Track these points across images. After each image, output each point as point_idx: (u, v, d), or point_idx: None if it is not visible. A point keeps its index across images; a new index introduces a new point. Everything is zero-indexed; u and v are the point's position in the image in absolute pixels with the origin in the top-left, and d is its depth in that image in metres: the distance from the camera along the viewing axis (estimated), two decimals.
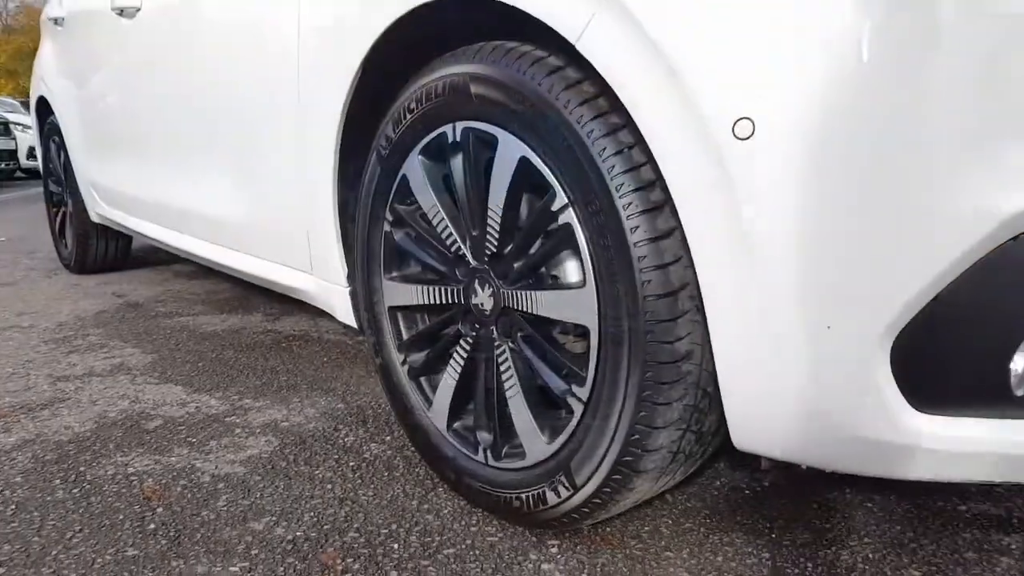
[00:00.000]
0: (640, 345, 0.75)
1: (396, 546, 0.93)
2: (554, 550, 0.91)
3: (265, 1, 1.22)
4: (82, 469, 1.18)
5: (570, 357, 0.86)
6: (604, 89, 0.74)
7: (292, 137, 1.20)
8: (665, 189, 0.70)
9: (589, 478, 0.83)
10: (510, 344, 0.93)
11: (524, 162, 0.84)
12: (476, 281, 0.95)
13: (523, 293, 0.88)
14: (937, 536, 0.94)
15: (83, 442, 1.28)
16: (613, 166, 0.74)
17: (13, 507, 1.06)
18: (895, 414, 0.64)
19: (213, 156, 1.54)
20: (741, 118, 0.62)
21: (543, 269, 0.88)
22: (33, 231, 4.34)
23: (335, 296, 1.26)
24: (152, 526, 0.99)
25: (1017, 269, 0.61)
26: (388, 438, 1.26)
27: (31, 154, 10.50)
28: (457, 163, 0.94)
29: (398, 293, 1.08)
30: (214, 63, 1.44)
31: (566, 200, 0.80)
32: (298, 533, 0.96)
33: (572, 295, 0.82)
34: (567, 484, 0.85)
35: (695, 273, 0.70)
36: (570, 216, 0.80)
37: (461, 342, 1.00)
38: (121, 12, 1.84)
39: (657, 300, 0.73)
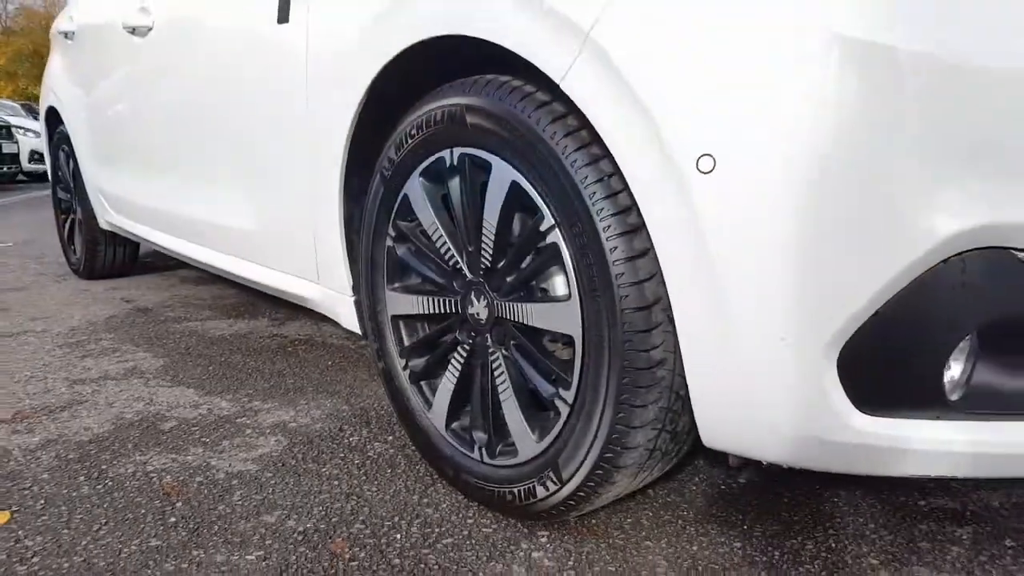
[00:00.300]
0: (619, 353, 0.83)
1: (399, 536, 1.01)
2: (543, 540, 1.00)
3: (275, 31, 1.30)
4: (104, 467, 1.26)
5: (557, 363, 0.94)
6: (586, 123, 0.82)
7: (300, 156, 1.28)
8: (640, 214, 0.79)
9: (574, 473, 0.91)
10: (503, 351, 1.01)
11: (515, 186, 0.92)
12: (472, 293, 1.04)
13: (515, 305, 0.97)
14: (896, 528, 1.02)
15: (103, 442, 1.36)
16: (594, 192, 0.82)
17: (42, 502, 1.14)
18: (842, 416, 0.72)
19: (223, 170, 1.62)
20: (704, 154, 0.70)
21: (533, 283, 0.96)
22: (39, 235, 4.42)
23: (340, 305, 1.34)
24: (173, 519, 1.08)
25: (947, 288, 0.69)
26: (390, 438, 1.35)
27: (32, 157, 10.59)
28: (455, 185, 1.02)
29: (400, 303, 1.16)
30: (225, 84, 1.52)
31: (553, 222, 0.88)
32: (308, 525, 1.05)
33: (559, 307, 0.90)
34: (555, 479, 0.93)
35: (666, 289, 0.78)
36: (556, 236, 0.88)
37: (458, 349, 1.08)
38: (133, 31, 1.93)
39: (634, 313, 0.81)
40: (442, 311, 1.09)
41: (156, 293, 2.66)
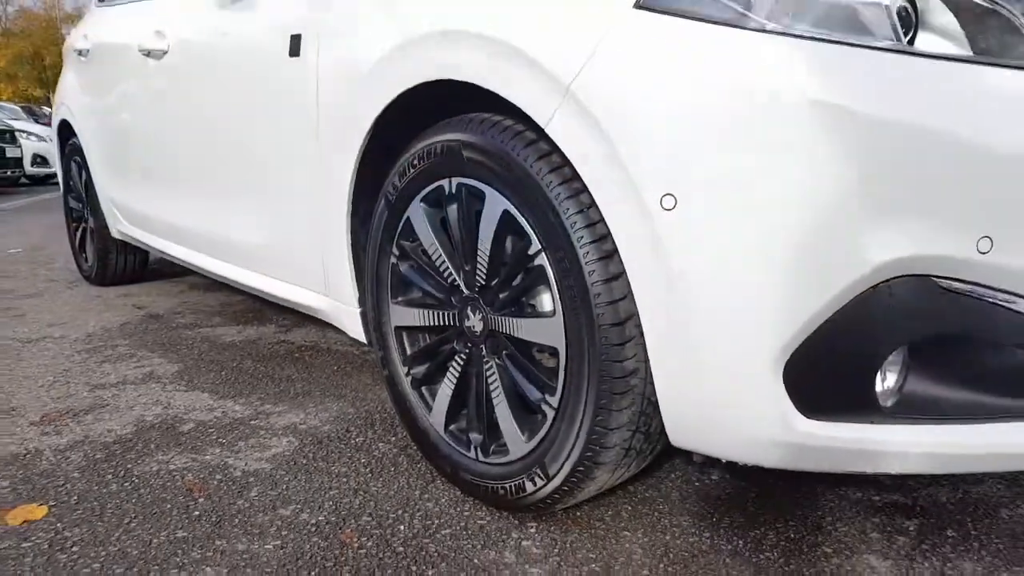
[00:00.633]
0: (597, 363, 0.94)
1: (402, 528, 1.12)
2: (532, 530, 1.11)
3: (287, 63, 1.41)
4: (129, 466, 1.36)
5: (544, 372, 1.06)
6: (568, 160, 0.93)
7: (310, 180, 1.39)
8: (614, 242, 0.89)
9: (559, 470, 1.02)
10: (496, 360, 1.12)
11: (506, 214, 1.03)
12: (468, 307, 1.15)
13: (507, 319, 1.08)
14: (850, 520, 1.13)
15: (126, 443, 1.47)
16: (575, 222, 0.93)
17: (76, 497, 1.25)
18: (788, 420, 0.83)
19: (236, 188, 1.72)
20: (667, 194, 0.81)
21: (522, 300, 1.07)
22: (46, 241, 4.52)
23: (347, 316, 1.44)
24: (196, 513, 1.18)
25: (877, 310, 0.80)
26: (393, 438, 1.45)
27: (35, 161, 10.68)
28: (452, 210, 1.13)
29: (403, 315, 1.27)
30: (239, 109, 1.63)
31: (539, 247, 0.99)
32: (320, 517, 1.15)
33: (545, 322, 1.01)
34: (542, 475, 1.04)
35: (637, 308, 0.89)
36: (543, 259, 0.99)
37: (456, 358, 1.19)
38: (148, 53, 2.03)
39: (610, 328, 0.92)
40: (441, 323, 1.20)
41: (166, 299, 2.77)
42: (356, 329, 1.44)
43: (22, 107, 18.98)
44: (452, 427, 1.22)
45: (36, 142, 10.62)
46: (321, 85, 1.31)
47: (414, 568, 1.02)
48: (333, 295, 1.48)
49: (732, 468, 1.29)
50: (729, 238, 0.80)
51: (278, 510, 1.18)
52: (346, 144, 1.27)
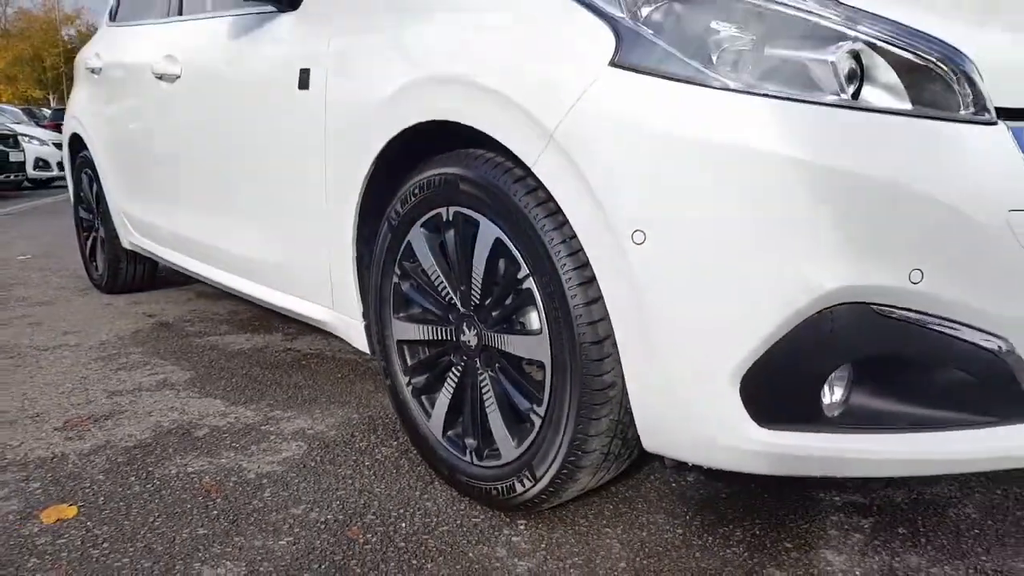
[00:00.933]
0: (579, 377, 1.05)
1: (403, 525, 1.23)
2: (522, 527, 1.22)
3: (297, 94, 1.52)
4: (150, 469, 1.47)
5: (532, 384, 1.16)
6: (552, 196, 1.04)
7: (319, 204, 1.50)
8: (593, 270, 1.00)
9: (545, 473, 1.13)
10: (489, 372, 1.23)
11: (498, 241, 1.14)
12: (464, 324, 1.26)
13: (498, 335, 1.18)
14: (811, 518, 1.24)
15: (146, 447, 1.58)
16: (559, 251, 1.04)
17: (102, 498, 1.36)
18: (744, 429, 0.94)
19: (247, 207, 1.83)
20: (637, 230, 0.92)
21: (513, 318, 1.18)
22: (54, 247, 4.61)
23: (352, 329, 1.55)
24: (215, 512, 1.29)
25: (820, 333, 0.90)
26: (394, 443, 1.56)
27: (37, 164, 10.77)
28: (450, 236, 1.24)
29: (404, 330, 1.38)
30: (252, 135, 1.73)
31: (528, 272, 1.10)
32: (328, 516, 1.26)
33: (533, 339, 1.12)
34: (530, 477, 1.15)
35: (613, 328, 1.00)
36: (531, 283, 1.10)
37: (453, 369, 1.30)
38: (161, 77, 2.14)
39: (590, 346, 1.03)
40: (439, 338, 1.31)
41: (175, 307, 2.87)
42: (360, 341, 1.55)
43: (22, 109, 19.08)
44: (449, 433, 1.33)
45: (38, 146, 10.71)
46: (329, 118, 1.42)
47: (415, 562, 1.13)
48: (339, 309, 1.58)
49: (706, 471, 1.40)
50: (692, 269, 0.91)
51: (290, 509, 1.29)
52: (353, 173, 1.37)
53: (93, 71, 2.80)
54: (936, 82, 0.92)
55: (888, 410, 0.96)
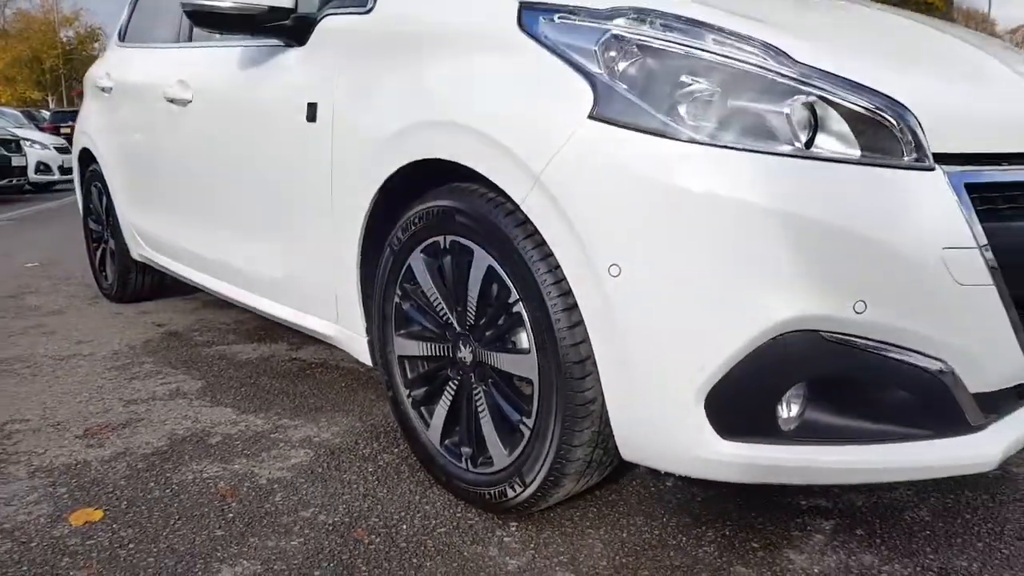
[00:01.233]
0: (563, 393, 1.16)
1: (405, 527, 1.34)
2: (513, 528, 1.33)
3: (305, 126, 1.63)
4: (168, 475, 1.58)
5: (522, 398, 1.28)
6: (539, 230, 1.16)
7: (325, 228, 1.61)
8: (575, 297, 1.12)
9: (534, 479, 1.24)
10: (483, 386, 1.34)
11: (491, 268, 1.25)
12: (460, 341, 1.37)
13: (491, 353, 1.30)
14: (777, 521, 1.35)
15: (163, 454, 1.68)
16: (545, 279, 1.15)
17: (125, 502, 1.46)
18: (709, 441, 1.05)
19: (256, 228, 1.94)
20: (613, 264, 1.04)
21: (504, 338, 1.29)
22: (60, 254, 4.71)
23: (356, 343, 1.66)
24: (231, 515, 1.40)
25: (775, 356, 1.02)
26: (396, 450, 1.67)
27: (38, 168, 10.85)
28: (447, 262, 1.35)
29: (405, 346, 1.49)
30: (261, 160, 1.84)
31: (518, 296, 1.21)
32: (335, 518, 1.37)
33: (522, 358, 1.24)
34: (520, 483, 1.26)
35: (593, 349, 1.11)
36: (520, 308, 1.21)
37: (450, 383, 1.41)
38: (172, 100, 2.25)
39: (573, 365, 1.14)
40: (437, 354, 1.42)
41: (183, 316, 2.98)
42: (364, 354, 1.66)
43: (22, 112, 19.13)
44: (447, 441, 1.44)
45: (40, 150, 10.79)
46: (336, 151, 1.53)
47: (415, 560, 1.24)
48: (344, 324, 1.69)
49: (682, 477, 1.50)
50: (661, 299, 1.03)
51: (300, 512, 1.40)
52: (358, 202, 1.49)
53: (104, 90, 2.91)
54: (882, 131, 1.04)
55: (840, 424, 1.07)
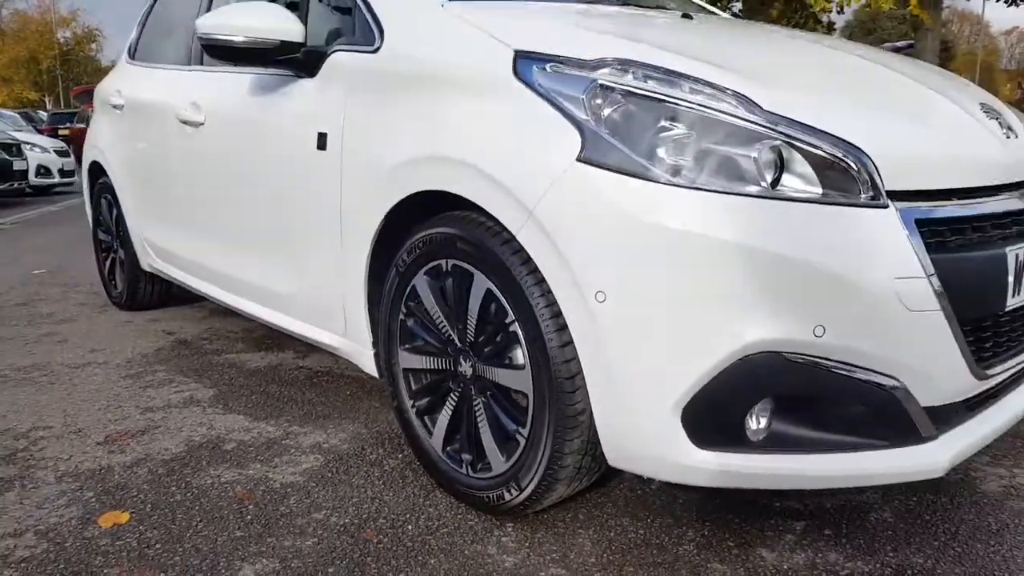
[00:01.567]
0: (555, 405, 1.28)
1: (410, 527, 1.46)
2: (509, 528, 1.45)
3: (316, 154, 1.74)
4: (188, 479, 1.69)
5: (518, 409, 1.39)
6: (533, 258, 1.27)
7: (334, 249, 1.72)
8: (565, 319, 1.23)
9: (528, 484, 1.35)
10: (482, 398, 1.46)
11: (489, 291, 1.37)
12: (461, 356, 1.48)
13: (489, 368, 1.41)
14: (752, 521, 1.47)
15: (182, 460, 1.80)
16: (539, 303, 1.27)
17: (150, 506, 1.58)
18: (685, 450, 1.17)
19: (268, 245, 2.05)
20: (599, 291, 1.15)
21: (501, 355, 1.41)
22: (66, 260, 4.79)
23: (363, 356, 1.78)
24: (249, 517, 1.51)
25: (742, 374, 1.13)
26: (400, 455, 1.79)
27: (39, 172, 10.93)
28: (448, 283, 1.47)
29: (409, 359, 1.61)
30: (272, 182, 1.95)
31: (514, 317, 1.33)
32: (346, 520, 1.49)
33: (518, 373, 1.35)
34: (516, 487, 1.38)
35: (582, 366, 1.23)
36: (516, 327, 1.33)
37: (451, 394, 1.52)
38: (185, 122, 2.36)
39: (563, 380, 1.26)
40: (439, 367, 1.54)
41: (192, 325, 3.08)
42: (370, 366, 1.77)
43: (20, 113, 19.15)
44: (448, 448, 1.56)
45: (40, 153, 10.87)
46: (345, 179, 1.64)
47: (420, 558, 1.35)
48: (351, 338, 1.81)
49: (664, 482, 1.62)
50: (642, 323, 1.14)
51: (312, 514, 1.52)
52: (365, 227, 1.60)
53: (116, 107, 3.02)
54: (842, 173, 1.16)
55: (803, 436, 1.19)
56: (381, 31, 1.60)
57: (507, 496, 1.40)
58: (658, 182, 1.13)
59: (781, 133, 1.15)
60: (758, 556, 1.35)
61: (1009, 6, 12.30)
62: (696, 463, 1.17)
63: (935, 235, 1.18)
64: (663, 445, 1.18)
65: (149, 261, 2.98)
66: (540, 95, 1.25)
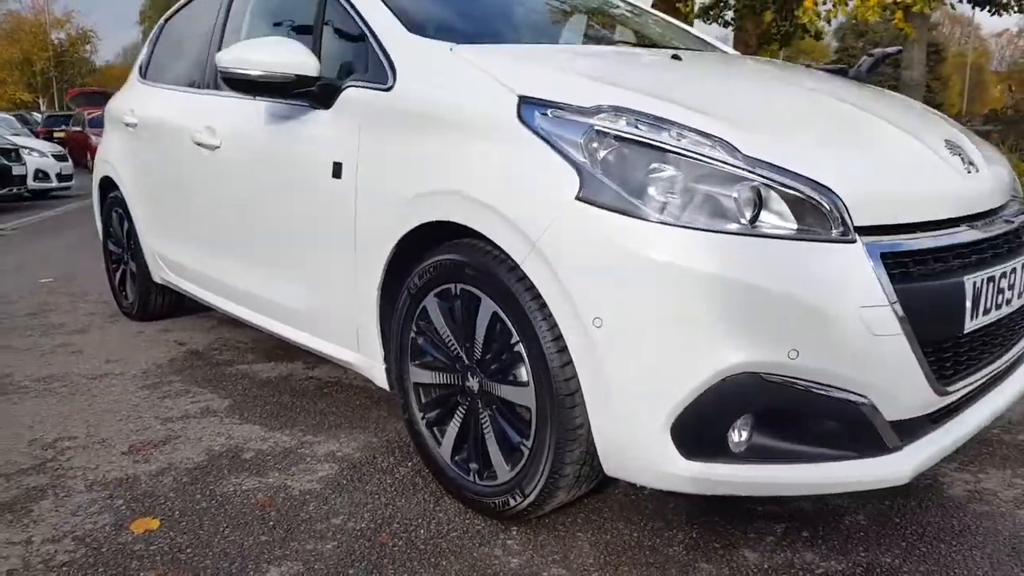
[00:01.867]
0: (556, 419, 1.40)
1: (422, 531, 1.58)
2: (514, 532, 1.57)
3: (331, 182, 1.86)
4: (212, 487, 1.80)
5: (522, 423, 1.52)
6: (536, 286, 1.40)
7: (348, 270, 1.84)
8: (566, 342, 1.36)
9: (532, 491, 1.48)
10: (489, 411, 1.58)
11: (495, 314, 1.49)
12: (468, 373, 1.60)
13: (495, 384, 1.54)
14: (737, 524, 1.60)
15: (204, 468, 1.91)
16: (541, 326, 1.39)
17: (177, 512, 1.69)
18: (674, 460, 1.29)
19: (282, 264, 2.17)
20: (596, 317, 1.28)
21: (507, 372, 1.53)
22: (73, 269, 4.87)
23: (375, 370, 1.89)
24: (271, 523, 1.63)
25: (725, 393, 1.26)
26: (410, 464, 1.91)
27: (37, 176, 10.98)
28: (457, 305, 1.59)
29: (419, 374, 1.73)
30: (287, 206, 2.07)
31: (518, 339, 1.45)
32: (362, 524, 1.61)
33: (522, 390, 1.48)
34: (520, 494, 1.50)
35: (580, 384, 1.35)
36: (520, 347, 1.45)
37: (459, 408, 1.65)
38: (200, 144, 2.47)
39: (564, 396, 1.38)
40: (448, 383, 1.66)
41: (202, 335, 3.19)
42: (382, 379, 1.89)
43: (15, 116, 19.13)
44: (456, 458, 1.68)
45: (38, 158, 10.91)
46: (359, 207, 1.76)
47: (432, 560, 1.48)
48: (364, 353, 1.93)
49: (656, 489, 1.75)
50: (635, 347, 1.27)
51: (331, 520, 1.63)
52: (378, 252, 1.72)
53: (128, 125, 3.13)
54: (814, 210, 1.28)
55: (781, 447, 1.32)
56: (394, 72, 1.73)
57: (512, 502, 1.52)
58: (648, 220, 1.25)
59: (759, 175, 1.28)
60: (742, 556, 1.48)
61: (992, 15, 12.53)
62: (684, 472, 1.30)
63: (898, 266, 1.31)
64: (654, 456, 1.30)
65: (161, 274, 3.09)
66: (542, 138, 1.38)
